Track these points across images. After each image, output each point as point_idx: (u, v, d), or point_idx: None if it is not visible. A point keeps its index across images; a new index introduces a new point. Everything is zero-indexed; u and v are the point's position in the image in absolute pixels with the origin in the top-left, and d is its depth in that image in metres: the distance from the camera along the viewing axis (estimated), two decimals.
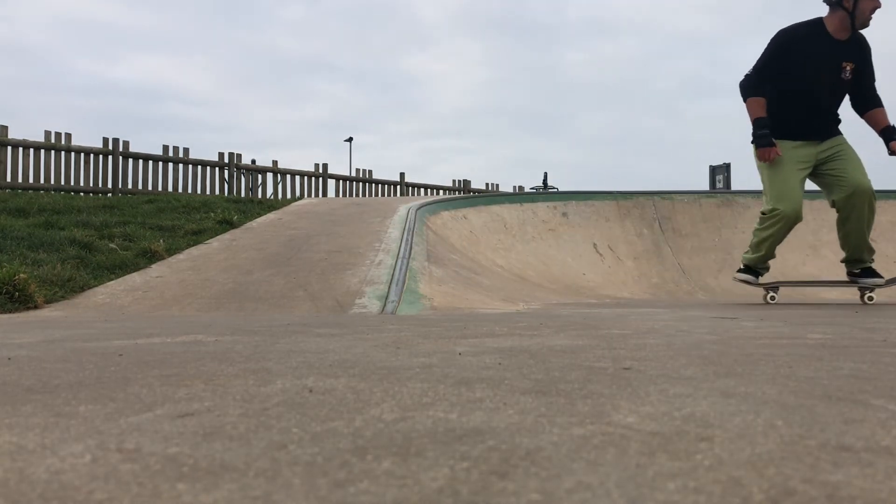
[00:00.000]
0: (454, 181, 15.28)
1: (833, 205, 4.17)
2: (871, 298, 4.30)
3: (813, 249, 7.08)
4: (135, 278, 4.17)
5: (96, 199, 8.06)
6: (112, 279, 4.13)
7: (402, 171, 16.86)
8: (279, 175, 12.60)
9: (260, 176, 12.35)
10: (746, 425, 0.84)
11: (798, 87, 4.03)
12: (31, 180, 9.81)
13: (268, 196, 11.75)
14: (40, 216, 5.82)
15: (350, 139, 25.17)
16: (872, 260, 4.33)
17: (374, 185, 14.14)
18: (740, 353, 1.57)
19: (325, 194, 13.05)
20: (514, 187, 15.58)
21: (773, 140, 4.06)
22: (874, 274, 4.29)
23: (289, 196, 12.39)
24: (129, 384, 1.17)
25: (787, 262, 6.90)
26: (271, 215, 6.68)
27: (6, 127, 9.66)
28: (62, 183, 10.15)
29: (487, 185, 15.95)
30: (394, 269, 4.09)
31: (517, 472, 0.65)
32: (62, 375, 1.28)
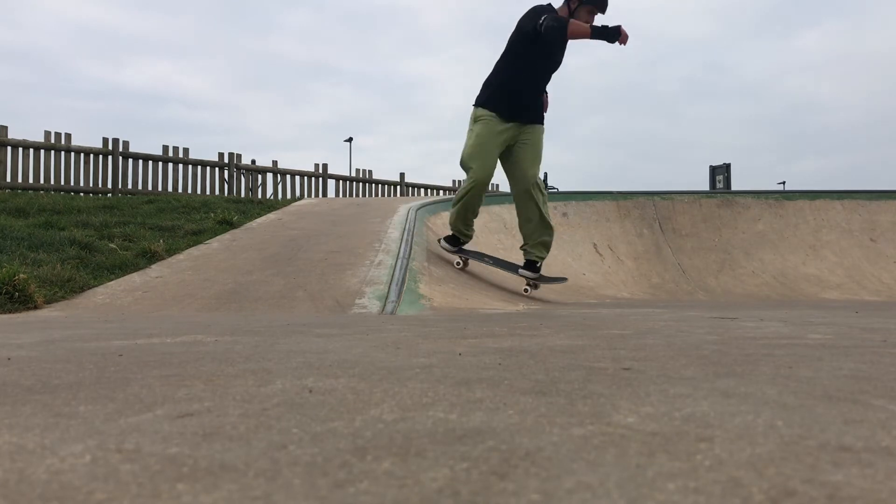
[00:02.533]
0: (454, 181, 15.27)
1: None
2: (526, 290, 4.71)
3: (813, 250, 7.08)
4: (135, 278, 4.17)
5: (96, 200, 8.06)
6: (112, 279, 4.13)
7: (403, 171, 16.86)
8: (279, 175, 12.60)
9: (260, 176, 12.35)
10: (746, 425, 0.84)
11: (539, 67, 4.42)
12: (31, 180, 9.80)
13: (268, 196, 11.75)
14: (40, 216, 5.82)
15: (350, 139, 25.19)
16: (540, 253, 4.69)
17: (374, 185, 14.14)
18: (740, 353, 1.57)
19: (325, 194, 13.04)
20: None
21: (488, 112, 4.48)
22: (533, 267, 4.70)
23: (289, 196, 12.39)
24: (129, 384, 1.17)
25: (787, 262, 6.91)
26: (271, 215, 6.68)
27: (6, 127, 9.66)
28: (62, 183, 10.15)
29: None
30: (394, 270, 4.09)
31: (517, 473, 0.65)
32: (62, 375, 1.27)
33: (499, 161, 4.59)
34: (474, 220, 4.87)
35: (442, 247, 4.98)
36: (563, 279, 5.19)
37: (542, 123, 4.58)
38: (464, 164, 4.58)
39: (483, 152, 4.45)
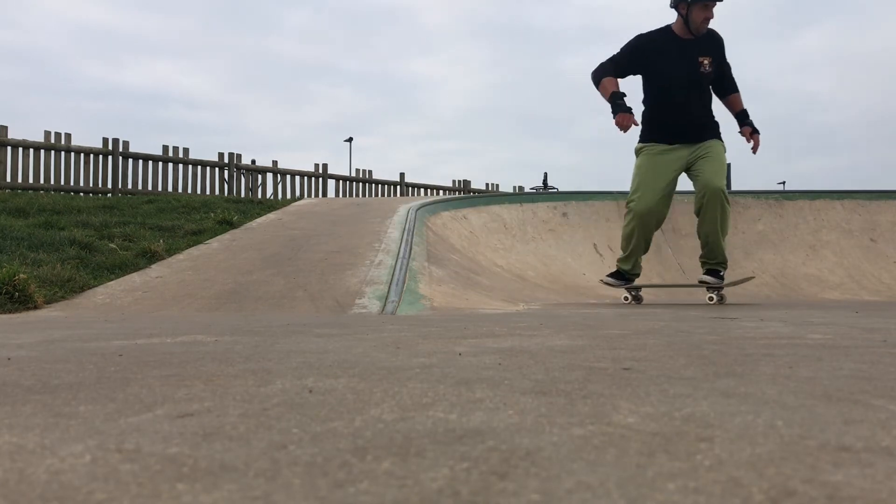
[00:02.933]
0: (454, 181, 15.28)
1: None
2: (711, 299, 4.52)
3: (813, 250, 7.08)
4: (135, 278, 4.17)
5: (96, 200, 8.06)
6: (112, 279, 4.13)
7: (403, 171, 16.86)
8: (279, 175, 12.60)
9: (260, 176, 12.35)
10: (746, 425, 0.84)
11: (660, 84, 4.35)
12: (31, 180, 9.81)
13: (268, 196, 11.75)
14: (40, 216, 5.82)
15: (350, 139, 25.15)
16: (722, 263, 4.56)
17: (374, 185, 14.14)
18: (740, 353, 1.57)
19: (325, 194, 13.04)
20: (514, 187, 15.58)
21: (646, 142, 4.40)
22: (717, 274, 4.54)
23: (289, 196, 12.39)
24: (129, 384, 1.17)
25: (787, 262, 6.91)
26: (271, 215, 6.68)
27: (6, 127, 9.67)
28: (62, 183, 10.15)
29: (487, 185, 15.96)
30: (394, 270, 4.09)
31: (517, 473, 0.65)
32: (62, 375, 1.28)
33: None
34: (640, 258, 4.60)
35: (605, 282, 4.76)
36: (751, 277, 5.05)
37: (718, 139, 4.40)
38: (627, 206, 4.44)
39: (643, 183, 4.35)
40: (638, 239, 4.46)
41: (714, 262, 4.52)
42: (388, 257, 4.44)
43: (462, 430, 0.83)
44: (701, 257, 4.64)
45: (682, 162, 4.37)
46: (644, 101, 4.48)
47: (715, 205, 4.29)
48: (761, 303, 4.58)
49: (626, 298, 4.73)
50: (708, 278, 4.51)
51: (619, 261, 4.69)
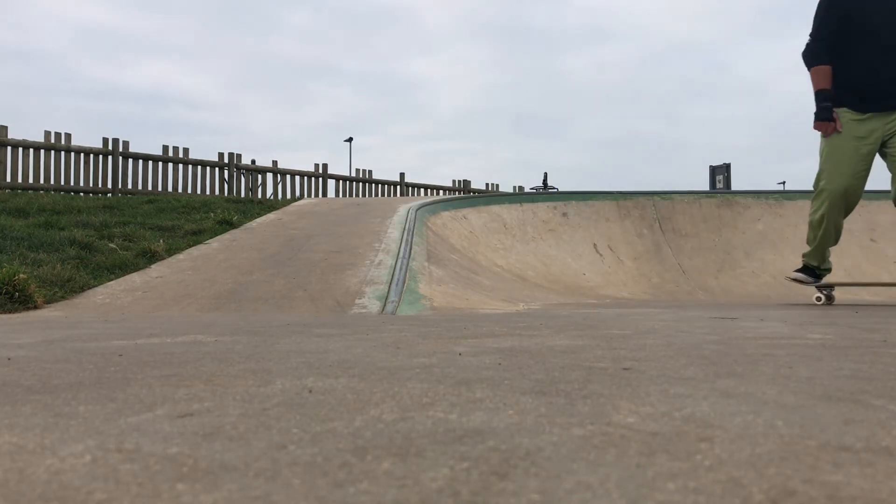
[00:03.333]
0: (454, 181, 15.27)
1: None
2: None
3: None
4: (135, 278, 4.17)
5: (96, 199, 8.06)
6: (112, 279, 4.13)
7: (403, 171, 16.86)
8: (279, 175, 12.60)
9: (260, 176, 12.35)
10: (746, 425, 0.84)
11: (861, 39, 3.68)
12: (31, 180, 9.81)
13: (268, 196, 11.75)
14: (40, 216, 5.82)
15: (350, 139, 25.17)
16: None
17: (374, 185, 14.14)
18: (740, 353, 1.57)
19: (324, 194, 13.04)
20: (514, 187, 15.58)
21: (835, 112, 3.80)
22: None
23: (289, 196, 12.39)
24: (129, 384, 1.17)
25: (787, 262, 6.90)
26: (271, 215, 6.68)
27: (6, 127, 9.66)
28: (62, 183, 10.15)
29: (487, 185, 15.96)
30: (394, 270, 4.09)
31: (517, 473, 0.65)
32: (62, 375, 1.28)
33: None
34: (828, 250, 4.10)
35: (794, 279, 4.25)
36: None
37: None
38: (816, 187, 3.93)
39: (833, 160, 3.80)
40: (827, 225, 3.88)
41: None
42: (388, 257, 4.44)
43: (462, 430, 0.83)
44: None
45: (878, 135, 3.75)
46: (834, 58, 3.79)
47: None
48: (761, 303, 4.58)
49: (818, 299, 4.24)
50: None
51: (806, 255, 4.15)
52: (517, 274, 5.93)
